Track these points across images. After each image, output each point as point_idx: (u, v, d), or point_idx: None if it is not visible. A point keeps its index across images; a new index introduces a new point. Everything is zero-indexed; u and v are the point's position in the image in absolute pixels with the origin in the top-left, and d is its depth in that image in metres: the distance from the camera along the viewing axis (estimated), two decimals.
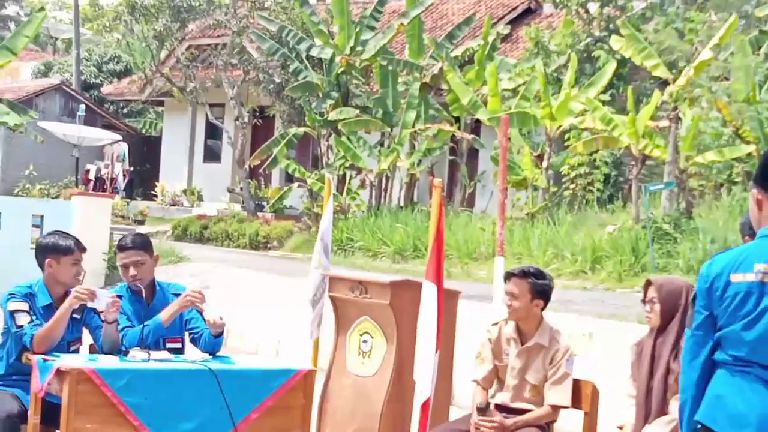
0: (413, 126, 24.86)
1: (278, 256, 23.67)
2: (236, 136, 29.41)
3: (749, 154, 20.66)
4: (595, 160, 24.30)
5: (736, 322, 4.22)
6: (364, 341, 7.30)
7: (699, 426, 4.28)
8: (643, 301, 5.94)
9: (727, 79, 21.92)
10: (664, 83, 21.09)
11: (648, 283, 5.94)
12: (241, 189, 29.52)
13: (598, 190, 24.36)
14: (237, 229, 25.76)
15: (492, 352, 6.71)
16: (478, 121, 24.83)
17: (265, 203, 28.92)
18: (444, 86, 25.51)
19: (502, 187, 11.42)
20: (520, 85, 24.06)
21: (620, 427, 5.95)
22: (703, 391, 4.32)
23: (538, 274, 6.58)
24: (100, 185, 31.97)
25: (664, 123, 20.86)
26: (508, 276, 6.61)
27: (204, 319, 6.85)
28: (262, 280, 17.96)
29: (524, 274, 6.56)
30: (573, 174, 24.39)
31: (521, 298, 6.50)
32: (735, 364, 4.24)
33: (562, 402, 6.40)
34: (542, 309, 6.56)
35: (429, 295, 6.16)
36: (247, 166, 29.19)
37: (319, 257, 8.05)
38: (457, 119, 25.50)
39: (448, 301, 6.62)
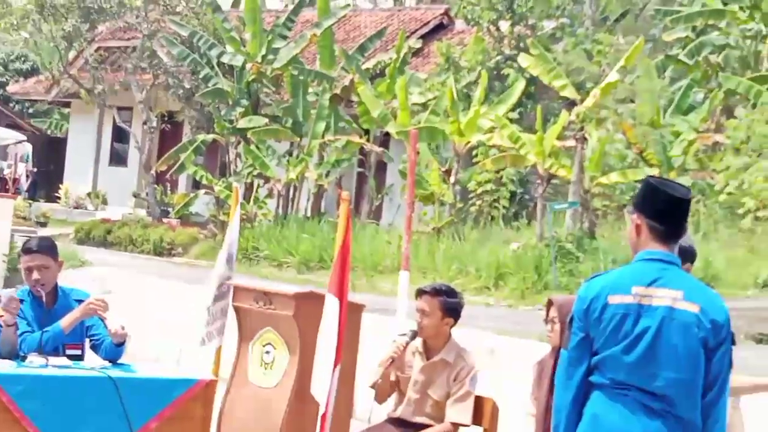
0: (322, 137, 24.86)
1: (182, 263, 23.47)
2: (143, 140, 29.12)
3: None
4: (501, 177, 24.51)
5: (615, 344, 4.30)
6: (267, 352, 7.27)
7: None
8: (545, 321, 6.01)
9: (633, 101, 22.31)
10: (571, 103, 21.39)
11: (549, 303, 6.02)
12: (147, 194, 29.23)
13: (504, 207, 24.57)
14: (141, 234, 25.48)
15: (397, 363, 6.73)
16: (387, 134, 24.93)
17: (170, 209, 28.64)
18: (354, 98, 25.56)
19: (409, 202, 11.45)
20: (430, 100, 24.21)
21: None
22: (578, 412, 4.37)
23: (450, 293, 6.60)
24: (2, 185, 31.40)
25: (571, 143, 21.15)
26: (420, 293, 6.61)
27: (106, 327, 6.77)
28: (166, 287, 17.80)
29: (436, 292, 6.57)
30: (480, 190, 24.57)
31: (432, 315, 6.51)
32: (613, 387, 4.31)
33: (462, 420, 6.43)
34: (451, 327, 6.59)
35: (331, 308, 6.16)
36: (153, 171, 28.91)
37: (224, 265, 7.99)
38: (367, 132, 25.55)
39: (351, 314, 6.61)
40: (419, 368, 6.60)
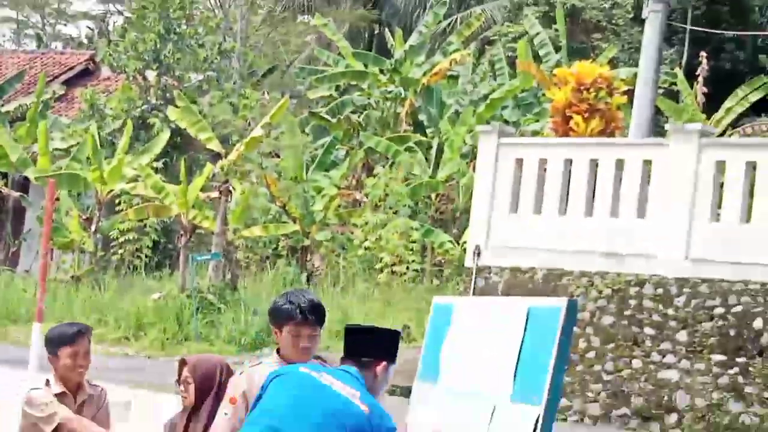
0: None
1: None
2: None
3: (295, 231, 21.44)
4: (145, 226, 24.22)
5: None
6: None
7: None
8: (178, 381, 5.91)
9: (277, 156, 22.70)
10: (217, 156, 21.50)
11: (183, 363, 5.91)
12: None
13: (146, 256, 24.28)
14: None
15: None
16: (27, 178, 24.13)
17: None
18: None
19: (44, 250, 11.14)
20: (72, 146, 23.66)
21: None
22: None
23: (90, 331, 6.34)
24: None
25: (215, 195, 21.22)
26: (77, 336, 6.25)
27: None
28: None
29: (87, 330, 6.25)
30: (122, 239, 24.17)
31: (89, 354, 6.25)
32: None
33: None
34: None
35: None
36: None
37: None
38: (5, 175, 24.63)
39: None
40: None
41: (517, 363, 4.18)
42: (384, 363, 4.53)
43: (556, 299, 4.15)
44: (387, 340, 4.63)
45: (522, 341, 4.19)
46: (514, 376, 4.18)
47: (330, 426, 4.26)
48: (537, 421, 3.95)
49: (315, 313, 4.88)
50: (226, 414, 5.13)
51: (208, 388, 5.68)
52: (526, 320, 4.20)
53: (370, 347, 4.52)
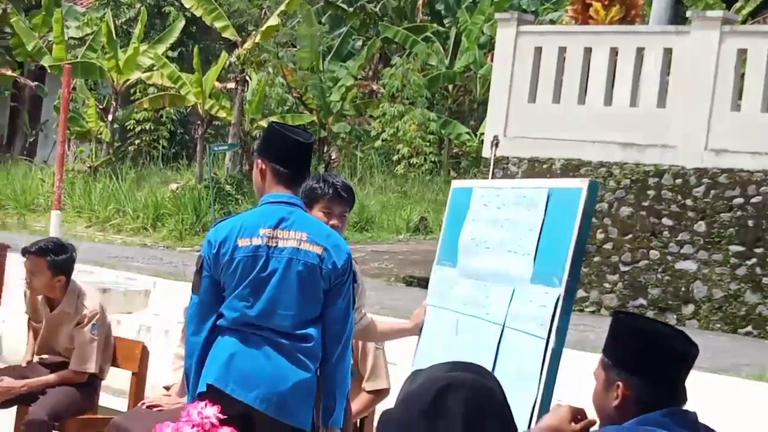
0: None
1: None
2: None
3: (312, 122, 21.35)
4: (161, 116, 24.19)
5: (244, 286, 4.40)
6: None
7: (209, 388, 4.38)
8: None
9: (294, 46, 22.51)
10: (232, 45, 21.32)
11: None
12: None
13: (163, 147, 24.29)
14: None
15: (30, 310, 6.51)
16: (43, 68, 24.02)
17: None
18: (8, 30, 24.42)
19: (62, 139, 11.11)
20: (88, 35, 23.49)
21: (167, 388, 5.94)
22: (209, 354, 4.43)
23: (58, 250, 6.34)
24: None
25: (231, 84, 21.12)
26: (25, 252, 6.34)
27: None
28: None
29: (41, 251, 6.31)
30: (138, 129, 24.16)
31: (40, 275, 6.27)
32: (243, 328, 4.40)
33: (84, 368, 6.26)
34: (65, 283, 6.33)
35: None
36: None
37: None
38: (21, 65, 24.52)
39: None
40: (45, 320, 6.40)
41: (537, 244, 4.14)
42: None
43: (577, 180, 4.09)
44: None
45: (542, 222, 4.15)
46: (534, 257, 4.14)
47: (289, 286, 4.35)
48: (557, 302, 3.92)
49: (347, 192, 4.92)
50: None
51: None
52: (547, 201, 4.15)
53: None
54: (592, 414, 3.10)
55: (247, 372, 4.35)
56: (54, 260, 6.26)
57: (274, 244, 4.38)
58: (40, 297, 6.42)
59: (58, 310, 6.36)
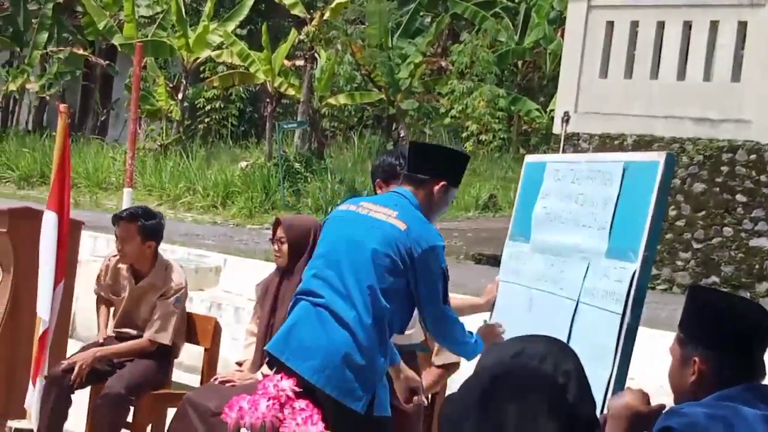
0: (45, 48, 23.91)
1: None
2: None
3: (380, 99, 21.31)
4: (231, 94, 24.28)
5: (321, 247, 4.57)
6: None
7: (269, 356, 4.48)
8: (272, 240, 5.92)
9: (362, 23, 22.45)
10: (301, 22, 21.32)
11: (277, 222, 5.92)
12: None
13: (232, 125, 24.40)
14: None
15: (108, 285, 6.55)
16: (114, 47, 24.22)
17: None
18: (79, 8, 24.66)
19: (134, 117, 11.18)
20: (158, 14, 23.62)
21: (239, 363, 5.95)
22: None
23: (147, 215, 6.40)
24: None
25: (300, 62, 21.12)
26: (116, 219, 6.41)
27: None
28: None
29: (132, 216, 6.37)
30: (208, 107, 24.29)
31: (131, 241, 6.32)
32: (308, 296, 4.47)
33: (160, 339, 6.28)
34: (155, 249, 6.40)
35: (49, 225, 5.92)
36: None
37: None
38: (92, 43, 24.74)
39: (71, 231, 6.37)
40: (128, 292, 6.44)
41: (613, 219, 4.09)
42: (443, 182, 4.50)
43: (654, 153, 4.03)
44: (451, 159, 4.61)
45: (618, 196, 4.09)
46: (609, 232, 4.09)
47: (365, 248, 4.37)
48: (633, 276, 3.86)
49: None
50: None
51: (301, 248, 5.68)
52: (622, 175, 4.09)
53: (431, 165, 4.51)
54: (656, 400, 3.05)
55: (303, 343, 4.38)
56: (144, 225, 6.33)
57: (364, 212, 4.55)
58: (125, 268, 6.46)
59: (146, 282, 6.40)
